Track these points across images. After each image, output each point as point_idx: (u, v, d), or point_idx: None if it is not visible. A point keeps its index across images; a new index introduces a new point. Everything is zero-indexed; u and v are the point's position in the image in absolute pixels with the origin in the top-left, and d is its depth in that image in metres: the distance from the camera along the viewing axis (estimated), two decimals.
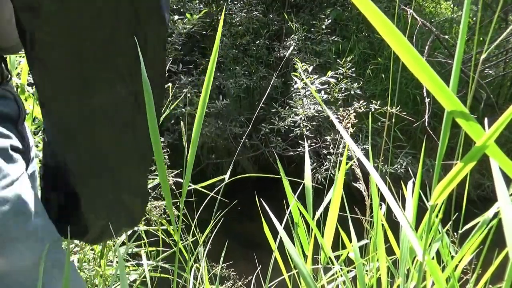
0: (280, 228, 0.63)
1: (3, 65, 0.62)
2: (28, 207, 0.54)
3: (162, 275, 1.30)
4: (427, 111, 2.64)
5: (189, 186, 1.27)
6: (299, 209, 0.83)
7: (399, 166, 2.86)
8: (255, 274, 1.17)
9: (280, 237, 0.63)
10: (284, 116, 2.94)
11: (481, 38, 3.96)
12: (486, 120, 0.44)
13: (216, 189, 1.03)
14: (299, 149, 2.96)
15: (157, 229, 1.30)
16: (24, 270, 0.53)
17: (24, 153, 0.61)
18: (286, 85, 3.62)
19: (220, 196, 0.99)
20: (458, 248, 0.79)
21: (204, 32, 3.47)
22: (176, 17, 3.08)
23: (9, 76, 0.64)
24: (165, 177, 0.40)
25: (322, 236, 0.80)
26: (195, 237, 1.12)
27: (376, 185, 0.78)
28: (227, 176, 1.00)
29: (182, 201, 0.47)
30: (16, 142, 0.57)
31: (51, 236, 0.56)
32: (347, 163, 0.84)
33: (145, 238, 1.33)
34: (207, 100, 0.47)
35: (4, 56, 0.64)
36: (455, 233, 0.82)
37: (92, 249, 1.28)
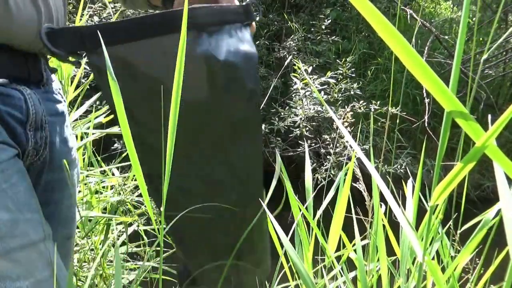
0: (281, 233, 0.63)
1: (36, 64, 0.63)
2: None
3: (156, 275, 1.30)
4: (427, 111, 2.64)
5: None
6: (300, 210, 0.83)
7: (399, 167, 2.86)
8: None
9: (285, 237, 0.63)
10: (284, 116, 2.95)
11: (481, 39, 3.96)
12: (489, 118, 0.44)
13: None
14: (298, 150, 2.96)
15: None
16: None
17: (27, 156, 0.62)
18: (285, 85, 3.62)
19: None
20: (460, 247, 0.79)
21: None
22: None
23: (44, 77, 0.65)
24: (141, 175, 0.40)
25: (323, 236, 0.80)
26: None
27: (377, 185, 0.78)
28: None
29: (163, 202, 0.47)
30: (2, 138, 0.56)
31: (20, 232, 0.55)
32: (346, 164, 0.84)
33: (145, 238, 1.33)
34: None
35: (41, 57, 0.64)
36: (455, 234, 0.82)
37: (92, 249, 1.28)
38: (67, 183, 0.72)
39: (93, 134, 1.35)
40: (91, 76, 1.53)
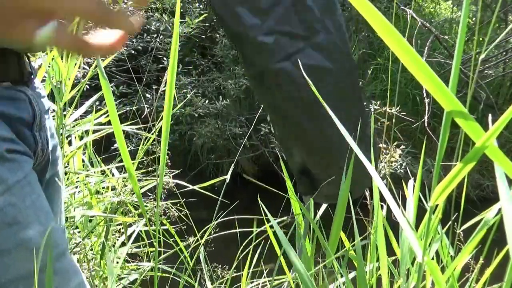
0: (282, 235, 0.63)
1: (25, 63, 0.62)
2: (24, 215, 0.52)
3: (161, 274, 1.30)
4: (426, 111, 2.64)
5: (187, 187, 1.28)
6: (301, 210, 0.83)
7: (398, 167, 2.86)
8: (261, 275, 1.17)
9: (284, 237, 0.63)
10: None
11: (481, 39, 3.96)
12: (489, 118, 0.44)
13: (222, 192, 1.03)
14: None
15: (157, 229, 1.30)
16: (10, 282, 0.51)
17: (36, 157, 0.61)
18: None
19: (221, 196, 0.99)
20: (463, 245, 0.78)
21: (203, 36, 3.46)
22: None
23: (32, 75, 0.64)
24: (134, 177, 0.40)
25: (323, 236, 0.80)
26: (197, 238, 1.12)
27: (377, 185, 0.78)
28: (228, 176, 1.00)
29: (158, 202, 0.47)
30: (18, 146, 0.55)
31: (53, 243, 0.55)
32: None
33: (145, 238, 1.33)
34: (171, 107, 0.46)
35: (28, 54, 0.64)
36: (457, 232, 0.81)
37: (92, 249, 1.28)
38: (57, 177, 0.73)
39: (93, 133, 1.35)
40: (89, 75, 1.53)
